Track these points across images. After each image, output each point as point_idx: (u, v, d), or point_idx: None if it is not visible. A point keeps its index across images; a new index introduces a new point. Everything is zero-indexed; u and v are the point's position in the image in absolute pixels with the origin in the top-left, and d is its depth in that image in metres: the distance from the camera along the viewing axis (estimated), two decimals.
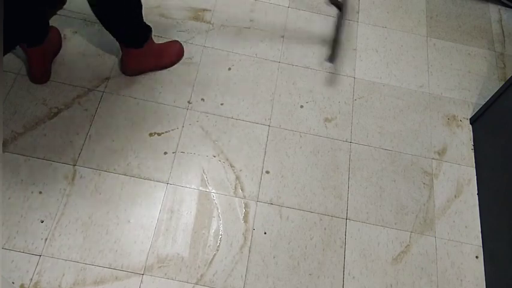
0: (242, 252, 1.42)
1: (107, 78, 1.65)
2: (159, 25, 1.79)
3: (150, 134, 1.57)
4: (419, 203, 1.58)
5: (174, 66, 1.71)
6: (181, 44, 1.75)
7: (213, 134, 1.60)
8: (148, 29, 1.57)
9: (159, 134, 1.57)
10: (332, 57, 1.60)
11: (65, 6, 1.79)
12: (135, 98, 1.62)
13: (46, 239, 1.36)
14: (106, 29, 1.48)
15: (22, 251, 1.33)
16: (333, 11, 1.96)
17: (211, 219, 1.45)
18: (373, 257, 1.47)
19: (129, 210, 1.43)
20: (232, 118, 1.64)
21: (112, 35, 1.52)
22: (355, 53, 1.87)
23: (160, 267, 1.36)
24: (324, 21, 1.92)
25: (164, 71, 1.69)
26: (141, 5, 1.46)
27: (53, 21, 1.73)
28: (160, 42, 1.71)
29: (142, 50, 1.59)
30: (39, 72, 1.59)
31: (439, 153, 1.69)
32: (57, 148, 1.50)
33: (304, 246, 1.46)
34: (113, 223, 1.41)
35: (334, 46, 1.60)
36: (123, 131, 1.56)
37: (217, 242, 1.42)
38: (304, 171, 1.58)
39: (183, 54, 1.74)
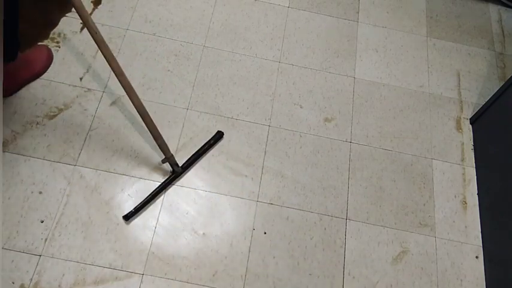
0: (242, 252, 1.42)
1: (107, 78, 1.65)
2: (160, 24, 1.80)
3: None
4: (419, 203, 1.58)
5: (174, 67, 1.71)
6: (47, 47, 1.64)
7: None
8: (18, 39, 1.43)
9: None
10: (130, 215, 1.41)
11: None
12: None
13: (46, 239, 1.36)
14: None
15: (22, 251, 1.33)
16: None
17: (212, 219, 1.45)
18: (373, 257, 1.47)
19: (129, 210, 1.43)
20: (232, 118, 1.64)
21: None
22: (355, 53, 1.87)
23: (160, 267, 1.36)
24: (323, 21, 1.93)
25: (164, 71, 1.69)
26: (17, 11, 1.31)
27: None
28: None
29: (13, 63, 1.46)
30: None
31: (439, 153, 1.69)
32: (57, 148, 1.50)
33: (304, 246, 1.46)
34: (113, 223, 1.41)
35: (140, 206, 1.42)
36: (123, 131, 1.56)
37: (217, 242, 1.42)
38: (304, 171, 1.58)
39: (52, 56, 1.64)
